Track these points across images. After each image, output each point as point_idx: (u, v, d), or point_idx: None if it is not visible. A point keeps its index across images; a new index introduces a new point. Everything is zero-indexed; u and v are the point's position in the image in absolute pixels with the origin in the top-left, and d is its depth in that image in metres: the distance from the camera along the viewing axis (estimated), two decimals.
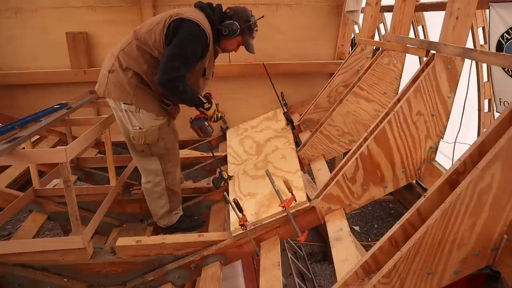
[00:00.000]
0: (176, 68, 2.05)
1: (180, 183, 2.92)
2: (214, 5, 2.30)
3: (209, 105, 2.31)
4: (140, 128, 2.20)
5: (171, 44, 2.05)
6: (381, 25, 5.12)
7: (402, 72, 2.55)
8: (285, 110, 3.23)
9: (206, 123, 2.32)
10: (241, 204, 2.06)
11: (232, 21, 2.25)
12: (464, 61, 1.76)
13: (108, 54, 2.29)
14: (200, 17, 2.14)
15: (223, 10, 2.32)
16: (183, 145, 3.91)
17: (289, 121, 3.10)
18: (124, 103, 2.17)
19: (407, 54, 2.45)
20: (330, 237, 1.85)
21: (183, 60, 2.07)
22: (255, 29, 2.37)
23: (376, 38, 3.46)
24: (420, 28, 4.00)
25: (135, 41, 2.15)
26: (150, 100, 2.20)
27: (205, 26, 2.13)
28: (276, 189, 1.88)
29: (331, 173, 2.12)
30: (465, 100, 2.25)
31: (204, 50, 2.18)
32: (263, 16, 2.44)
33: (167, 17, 2.11)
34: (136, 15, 3.44)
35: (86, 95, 3.40)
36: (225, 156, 3.06)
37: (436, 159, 1.92)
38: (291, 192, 1.93)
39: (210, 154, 2.75)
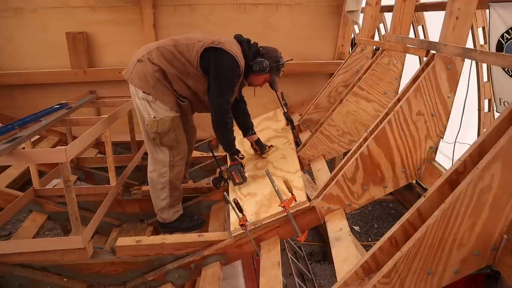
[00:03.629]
0: (227, 101, 2.34)
1: (185, 182, 2.94)
2: (251, 42, 2.49)
3: (243, 156, 2.55)
4: (154, 117, 2.30)
5: (218, 78, 2.28)
6: (381, 25, 5.12)
7: (402, 72, 2.55)
8: (285, 110, 3.23)
9: (242, 169, 2.45)
10: (241, 204, 2.06)
11: (263, 59, 2.42)
12: (464, 61, 1.76)
13: (142, 47, 2.42)
14: (238, 51, 2.33)
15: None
16: None
17: (289, 121, 3.10)
18: (143, 92, 2.29)
19: (407, 54, 2.45)
20: (330, 237, 1.85)
21: (232, 94, 2.38)
22: (282, 69, 2.55)
23: (376, 38, 3.46)
24: (420, 28, 4.00)
25: (173, 47, 2.31)
26: (167, 95, 2.33)
27: (241, 61, 2.32)
28: (276, 189, 1.88)
29: (331, 173, 2.12)
30: (465, 100, 2.25)
31: (237, 82, 2.40)
32: (292, 59, 2.62)
33: (209, 41, 2.29)
34: (136, 15, 3.44)
35: (86, 95, 3.40)
36: (225, 156, 3.05)
37: (436, 159, 1.92)
38: (291, 192, 1.93)
39: (210, 154, 2.75)
